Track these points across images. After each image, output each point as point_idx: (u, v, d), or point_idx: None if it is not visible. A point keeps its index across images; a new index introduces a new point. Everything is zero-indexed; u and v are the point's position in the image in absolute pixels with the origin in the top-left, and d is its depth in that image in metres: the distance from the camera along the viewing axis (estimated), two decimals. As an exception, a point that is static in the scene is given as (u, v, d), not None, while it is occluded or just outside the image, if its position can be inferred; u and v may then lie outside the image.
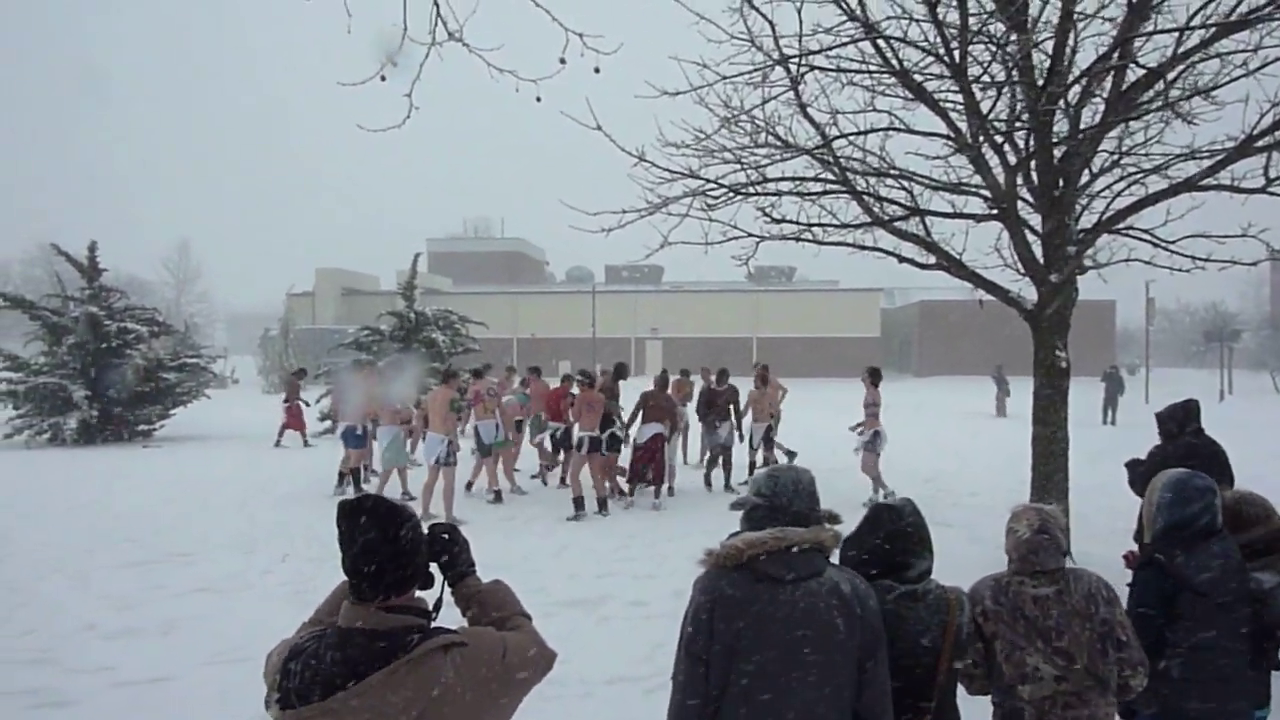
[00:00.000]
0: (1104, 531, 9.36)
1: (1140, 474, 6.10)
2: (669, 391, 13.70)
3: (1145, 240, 8.92)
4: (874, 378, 13.01)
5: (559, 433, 13.87)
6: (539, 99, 5.15)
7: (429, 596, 2.28)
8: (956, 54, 8.09)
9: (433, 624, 2.17)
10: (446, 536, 2.38)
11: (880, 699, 2.65)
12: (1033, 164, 8.70)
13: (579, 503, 11.73)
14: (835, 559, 2.80)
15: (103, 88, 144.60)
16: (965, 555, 8.56)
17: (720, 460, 14.18)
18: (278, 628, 7.12)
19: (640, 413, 13.05)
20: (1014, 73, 8.34)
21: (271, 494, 13.13)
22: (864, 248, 9.60)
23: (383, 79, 4.80)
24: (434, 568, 2.34)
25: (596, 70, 5.02)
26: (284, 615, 7.38)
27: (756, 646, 2.56)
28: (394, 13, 4.70)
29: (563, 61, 4.84)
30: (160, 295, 74.92)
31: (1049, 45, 8.24)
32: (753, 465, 14.13)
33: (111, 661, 6.37)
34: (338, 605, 2.22)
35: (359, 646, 2.06)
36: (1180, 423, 6.29)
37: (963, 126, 8.59)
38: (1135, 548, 6.08)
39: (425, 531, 2.33)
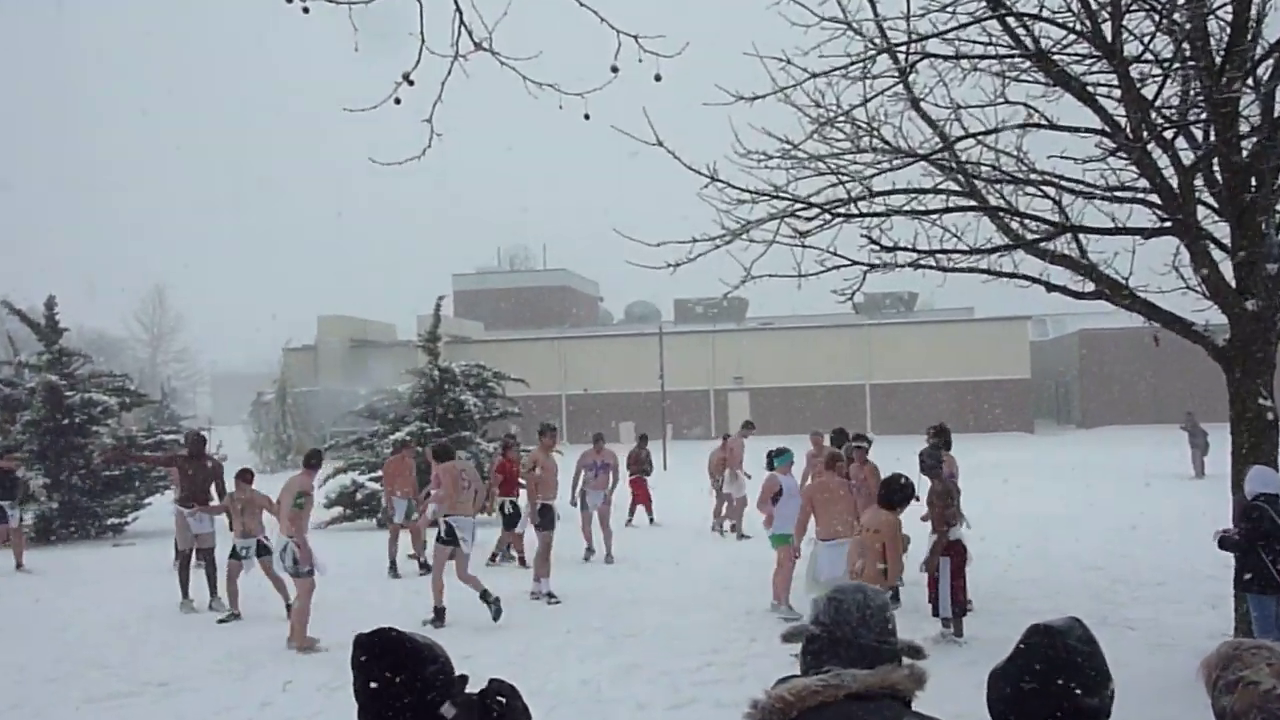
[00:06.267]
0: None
1: None
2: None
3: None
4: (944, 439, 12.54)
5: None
6: (587, 116, 5.31)
7: None
8: (1107, 29, 8.09)
9: None
10: (504, 700, 2.47)
11: None
12: (1215, 162, 8.61)
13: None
14: (916, 703, 2.70)
15: (66, 104, 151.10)
16: (1149, 668, 8.36)
17: None
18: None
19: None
20: (1184, 48, 8.29)
21: (268, 600, 13.36)
22: (1001, 274, 9.56)
23: (397, 101, 5.01)
24: None
25: (657, 78, 5.18)
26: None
27: None
28: (410, 21, 4.89)
29: (615, 70, 5.00)
30: (132, 355, 77.45)
31: (1228, 11, 8.19)
32: None
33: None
34: None
35: None
36: None
37: (1121, 119, 8.55)
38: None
39: (475, 687, 2.44)
